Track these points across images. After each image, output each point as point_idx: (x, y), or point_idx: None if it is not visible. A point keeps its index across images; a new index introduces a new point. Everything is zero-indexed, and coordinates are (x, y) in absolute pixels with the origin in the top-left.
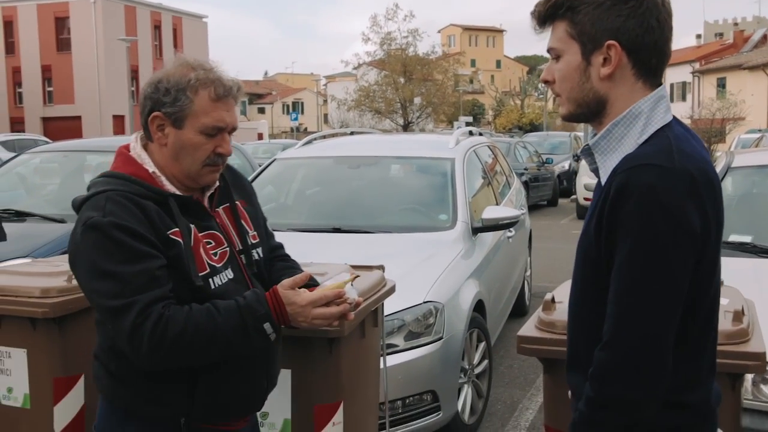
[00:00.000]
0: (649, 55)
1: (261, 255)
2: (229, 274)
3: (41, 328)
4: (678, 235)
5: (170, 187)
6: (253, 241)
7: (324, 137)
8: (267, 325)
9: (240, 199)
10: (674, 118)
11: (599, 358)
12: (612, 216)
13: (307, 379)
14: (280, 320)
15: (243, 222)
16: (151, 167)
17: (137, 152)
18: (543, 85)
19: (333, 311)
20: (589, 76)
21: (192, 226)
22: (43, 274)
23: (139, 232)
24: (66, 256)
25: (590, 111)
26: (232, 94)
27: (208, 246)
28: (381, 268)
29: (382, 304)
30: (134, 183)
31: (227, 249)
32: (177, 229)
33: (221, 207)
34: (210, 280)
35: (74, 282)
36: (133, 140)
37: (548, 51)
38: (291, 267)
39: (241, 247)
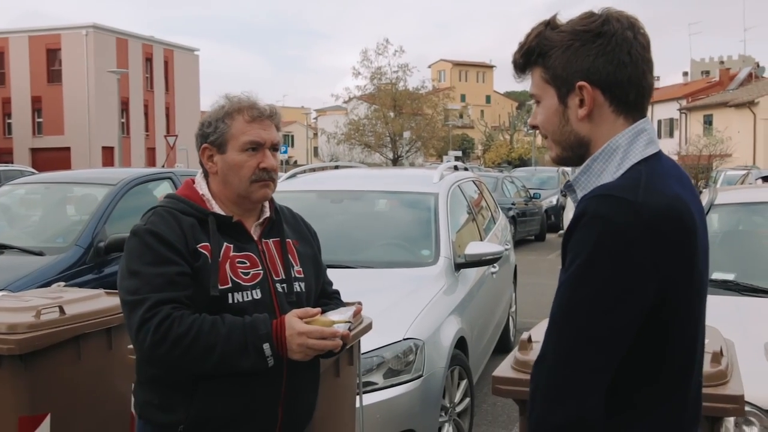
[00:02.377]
0: (626, 91)
1: (303, 289)
2: (255, 294)
3: (6, 365)
4: (622, 266)
5: (216, 209)
6: (297, 275)
7: (313, 170)
8: (266, 346)
9: (294, 238)
10: (660, 153)
11: (531, 374)
12: (566, 243)
13: None
14: (280, 345)
15: (290, 256)
16: (202, 191)
17: (198, 180)
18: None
19: (326, 344)
20: (568, 118)
21: (229, 244)
22: (11, 310)
23: (169, 240)
24: (35, 291)
25: (575, 153)
26: (266, 115)
27: (239, 265)
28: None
29: (359, 341)
30: (182, 202)
31: (261, 272)
32: (207, 243)
33: (271, 239)
34: (229, 294)
35: (42, 318)
36: (198, 173)
37: (530, 97)
38: (328, 304)
39: (283, 276)
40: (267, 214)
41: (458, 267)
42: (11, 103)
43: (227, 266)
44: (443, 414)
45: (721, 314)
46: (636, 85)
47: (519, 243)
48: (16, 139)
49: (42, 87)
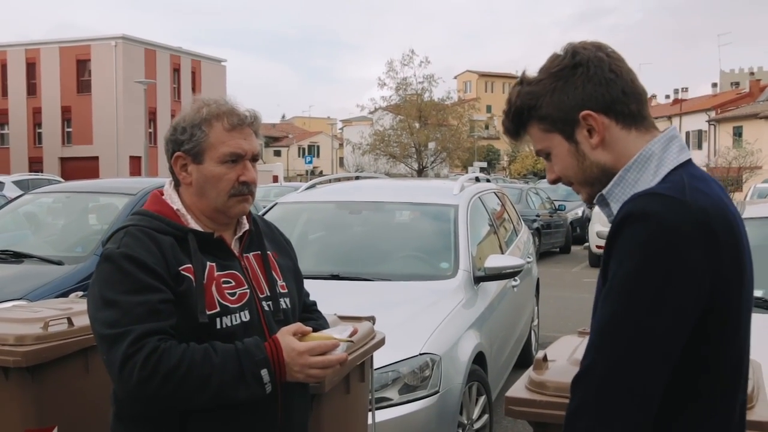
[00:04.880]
0: (625, 104)
1: (289, 305)
2: (244, 316)
3: (13, 377)
4: (676, 268)
5: (194, 225)
6: (282, 291)
7: (338, 180)
8: (264, 372)
9: (273, 251)
10: (691, 160)
11: (573, 388)
12: (610, 244)
13: None
14: (277, 368)
15: (273, 271)
16: (176, 205)
17: (168, 193)
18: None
19: (332, 359)
20: (583, 153)
21: (211, 263)
22: (20, 321)
23: (148, 264)
24: (47, 301)
25: (602, 183)
26: (246, 123)
27: (225, 285)
28: (371, 319)
29: (371, 357)
30: (156, 219)
31: (247, 291)
32: (190, 265)
33: (251, 253)
34: (218, 319)
35: (50, 329)
36: (166, 184)
37: (537, 154)
38: (311, 318)
39: (268, 294)
40: (246, 227)
41: (478, 280)
42: (42, 113)
43: (213, 288)
44: (460, 431)
45: None
46: (632, 94)
47: (543, 255)
48: (45, 149)
49: (72, 97)
